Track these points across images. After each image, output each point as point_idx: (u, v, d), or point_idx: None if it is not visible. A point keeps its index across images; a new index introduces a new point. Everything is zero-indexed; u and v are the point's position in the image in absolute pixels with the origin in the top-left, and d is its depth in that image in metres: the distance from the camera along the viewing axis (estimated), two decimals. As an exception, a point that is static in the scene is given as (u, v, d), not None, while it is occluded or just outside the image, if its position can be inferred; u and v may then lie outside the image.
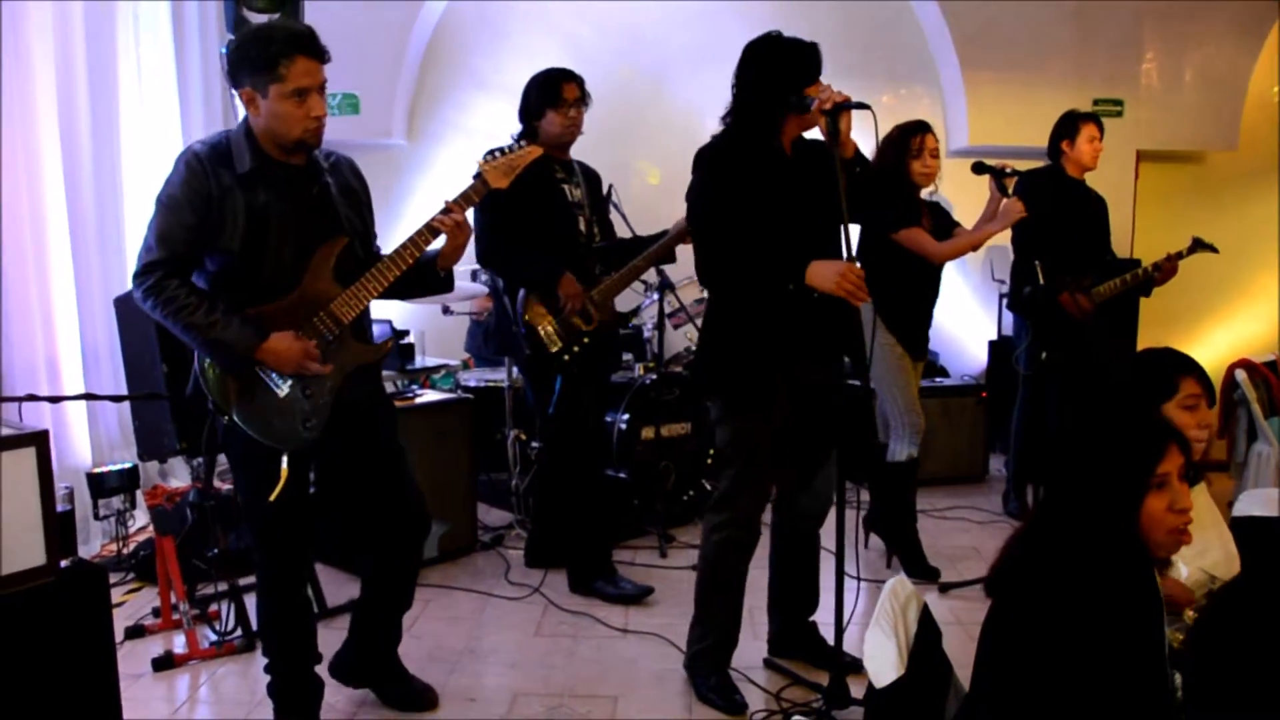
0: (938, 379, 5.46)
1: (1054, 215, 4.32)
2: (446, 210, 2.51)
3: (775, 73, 2.64)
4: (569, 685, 3.01)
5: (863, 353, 2.68)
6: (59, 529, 2.03)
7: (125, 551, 3.93)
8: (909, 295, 3.80)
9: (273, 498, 2.39)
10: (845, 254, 2.57)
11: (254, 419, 2.39)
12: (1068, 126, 4.41)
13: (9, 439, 1.97)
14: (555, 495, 3.84)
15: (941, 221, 3.97)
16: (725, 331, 2.78)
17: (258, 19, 3.65)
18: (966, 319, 6.23)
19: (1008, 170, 3.79)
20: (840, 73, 5.82)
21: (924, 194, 3.89)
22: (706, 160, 2.73)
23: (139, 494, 4.07)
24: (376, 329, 3.97)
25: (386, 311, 4.91)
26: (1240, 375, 5.27)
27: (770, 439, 2.77)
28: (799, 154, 2.78)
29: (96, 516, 3.81)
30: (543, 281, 3.54)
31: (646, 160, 6.13)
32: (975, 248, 3.75)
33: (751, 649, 3.18)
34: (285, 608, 2.60)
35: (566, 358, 3.55)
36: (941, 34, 5.98)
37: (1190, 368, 2.27)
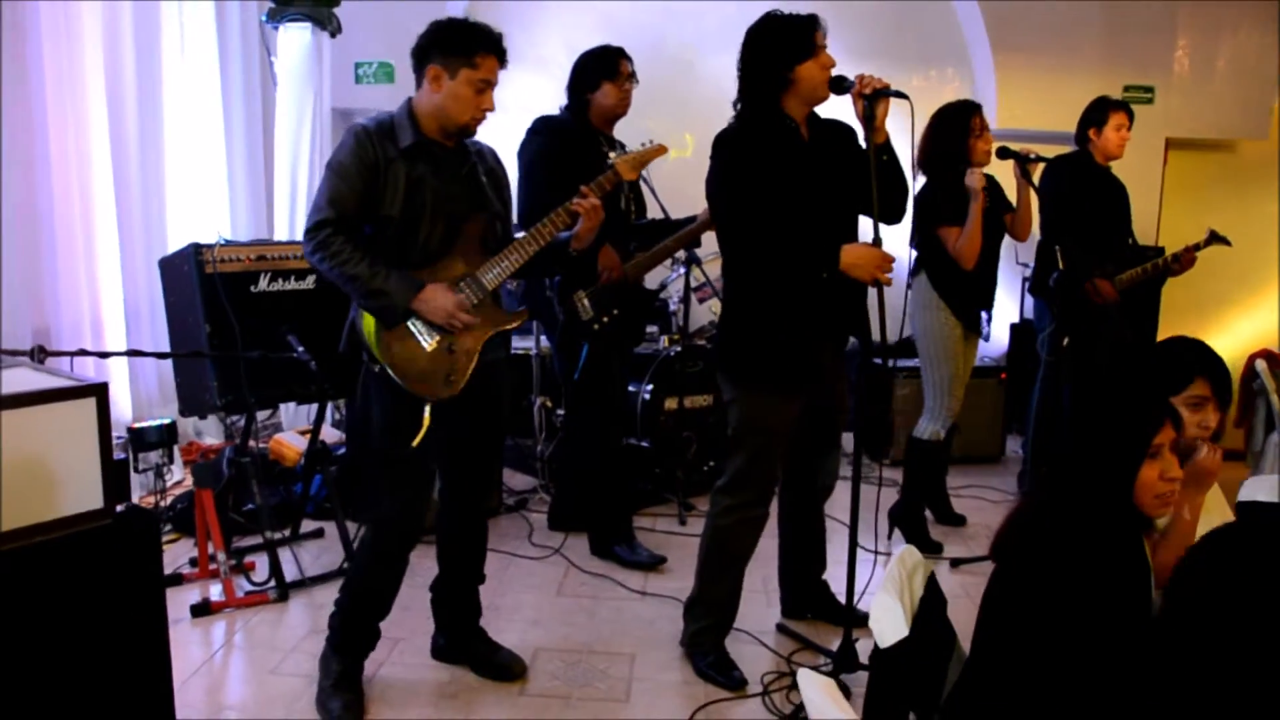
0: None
1: (1079, 201, 4.36)
2: (583, 195, 2.71)
3: (769, 51, 2.69)
4: (588, 643, 3.13)
5: (869, 333, 2.76)
6: (115, 476, 2.15)
7: (163, 504, 4.07)
8: (966, 270, 3.83)
9: (415, 443, 2.56)
10: (874, 239, 2.66)
11: (402, 369, 2.55)
12: (1097, 113, 4.42)
13: (72, 390, 2.08)
14: (578, 461, 3.95)
15: (997, 197, 4.01)
16: (752, 314, 2.80)
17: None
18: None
19: (1032, 156, 3.83)
20: (871, 53, 5.91)
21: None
22: (726, 147, 2.75)
23: (176, 449, 4.23)
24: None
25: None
26: (1260, 365, 5.31)
27: (791, 420, 2.84)
28: (816, 135, 2.82)
29: (136, 469, 3.96)
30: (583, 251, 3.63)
31: (678, 132, 6.20)
32: (976, 235, 3.76)
33: (765, 614, 3.30)
34: (388, 553, 2.71)
35: (597, 327, 3.65)
36: (974, 16, 5.99)
37: (1207, 368, 2.27)
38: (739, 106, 2.80)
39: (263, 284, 3.49)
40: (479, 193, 2.71)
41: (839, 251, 2.64)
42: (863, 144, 2.79)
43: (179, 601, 3.26)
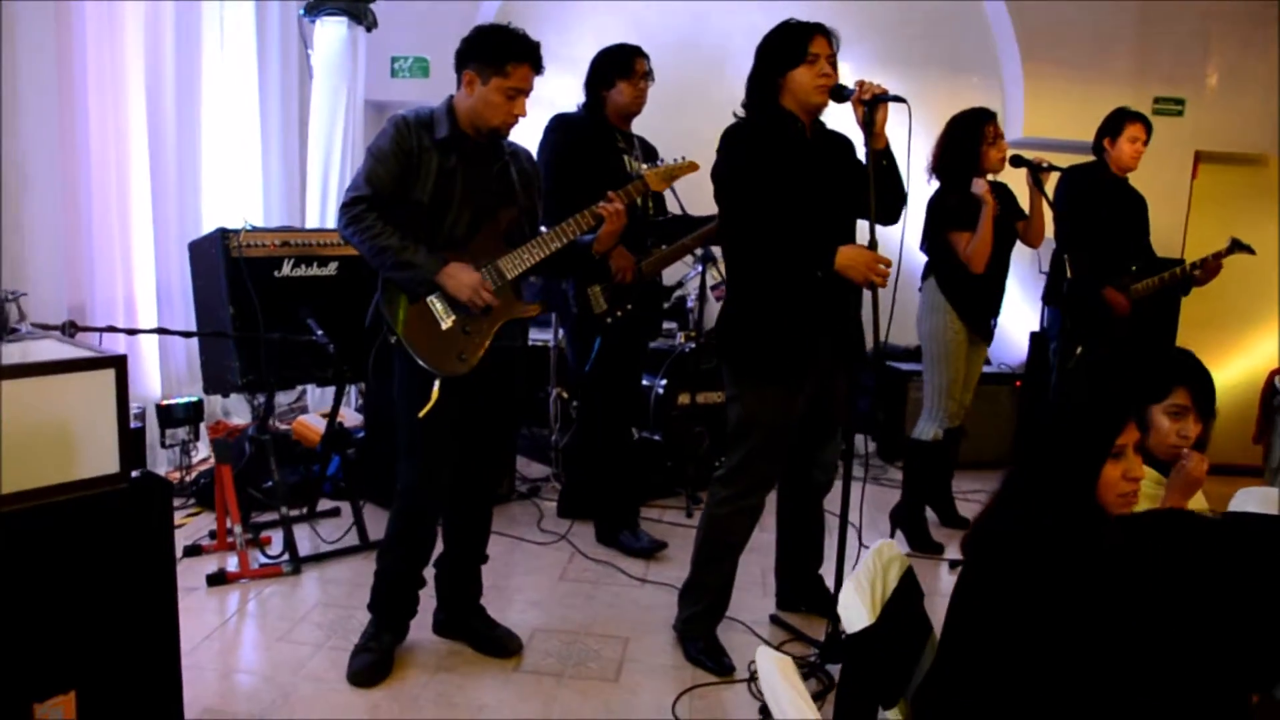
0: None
1: (1095, 211, 4.39)
2: (608, 199, 2.85)
3: (767, 56, 2.84)
4: (585, 625, 3.23)
5: (862, 332, 2.84)
6: (131, 443, 2.27)
7: (188, 479, 4.23)
8: (975, 277, 3.87)
9: (421, 415, 2.71)
10: (870, 241, 2.73)
11: (418, 344, 2.72)
12: (1113, 124, 4.43)
13: (94, 360, 2.21)
14: (589, 451, 4.04)
15: (1009, 205, 4.05)
16: (755, 308, 2.88)
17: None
18: (1012, 310, 6.26)
19: (1044, 165, 3.87)
20: (900, 59, 5.96)
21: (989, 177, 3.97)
22: (732, 139, 2.85)
23: (203, 427, 4.39)
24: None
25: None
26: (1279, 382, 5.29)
27: (793, 414, 2.91)
28: (819, 139, 2.91)
29: (163, 445, 4.12)
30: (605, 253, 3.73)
31: (707, 133, 6.28)
32: (987, 239, 3.81)
33: (761, 605, 3.38)
34: (411, 520, 2.86)
35: (610, 321, 3.74)
36: (1004, 25, 6.00)
37: (1189, 378, 2.31)
38: (746, 107, 2.91)
39: (286, 269, 3.61)
40: (508, 188, 2.85)
41: (835, 251, 2.71)
42: (861, 156, 2.88)
43: (197, 571, 3.41)
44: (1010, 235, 4.00)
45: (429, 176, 2.71)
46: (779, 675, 1.66)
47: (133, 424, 2.37)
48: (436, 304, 2.73)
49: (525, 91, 2.71)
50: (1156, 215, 5.88)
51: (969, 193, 3.77)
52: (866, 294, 2.77)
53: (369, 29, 5.39)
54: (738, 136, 2.85)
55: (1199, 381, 2.37)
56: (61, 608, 2.13)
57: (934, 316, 3.91)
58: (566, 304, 3.82)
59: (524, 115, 2.75)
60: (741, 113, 2.94)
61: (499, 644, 3.00)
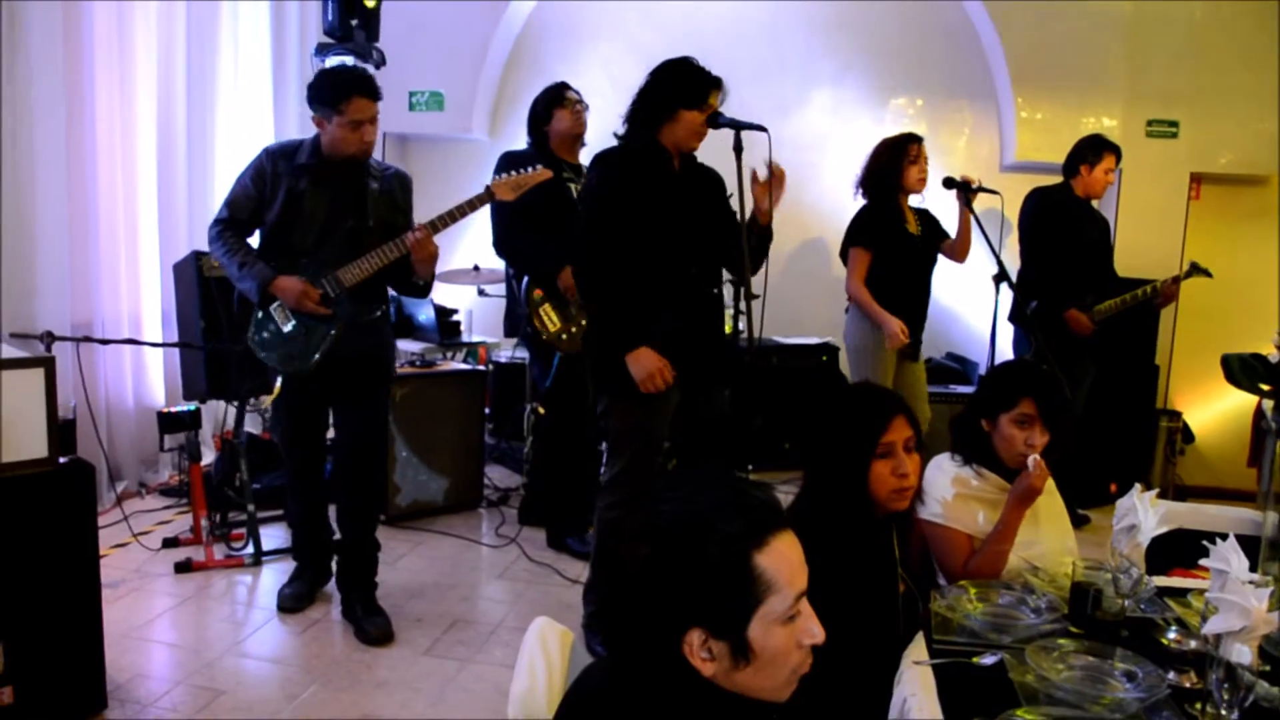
0: (952, 386, 5.60)
1: (1062, 233, 4.49)
2: (415, 230, 3.15)
3: (667, 85, 2.97)
4: (504, 619, 3.46)
5: (723, 351, 3.05)
6: (59, 433, 2.60)
7: (186, 481, 4.59)
8: (892, 294, 4.04)
9: (266, 403, 3.11)
10: (745, 268, 2.91)
11: (262, 344, 3.18)
12: (1093, 152, 4.52)
13: (25, 360, 2.57)
14: (548, 460, 4.29)
15: (932, 229, 4.20)
16: (612, 329, 3.02)
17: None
18: (978, 329, 6.29)
19: (974, 185, 4.00)
20: (897, 85, 6.06)
21: (914, 200, 4.15)
22: (600, 164, 3.03)
23: (210, 435, 4.76)
24: (422, 309, 4.86)
25: (436, 294, 5.50)
26: (1267, 405, 5.24)
27: (661, 427, 3.09)
28: (686, 170, 3.08)
29: (162, 449, 4.48)
30: (544, 272, 4.00)
31: (710, 164, 6.49)
32: (871, 307, 4.02)
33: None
34: (293, 486, 3.48)
35: (565, 338, 3.99)
36: (996, 50, 6.09)
37: (1033, 389, 2.41)
38: (624, 130, 3.06)
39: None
40: (360, 207, 3.16)
41: (638, 344, 2.93)
42: (731, 189, 3.08)
43: (169, 560, 3.75)
44: (931, 256, 4.12)
45: (277, 200, 3.11)
46: (536, 640, 1.85)
47: (68, 415, 2.70)
48: (279, 311, 3.15)
49: (367, 120, 3.05)
50: (1152, 237, 5.91)
51: (885, 212, 3.97)
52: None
53: (376, 67, 5.76)
54: (606, 163, 3.03)
55: (1044, 392, 2.48)
56: (-9, 570, 2.46)
57: (851, 324, 4.09)
58: (529, 324, 4.09)
59: (372, 141, 3.11)
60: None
61: (365, 633, 3.23)
